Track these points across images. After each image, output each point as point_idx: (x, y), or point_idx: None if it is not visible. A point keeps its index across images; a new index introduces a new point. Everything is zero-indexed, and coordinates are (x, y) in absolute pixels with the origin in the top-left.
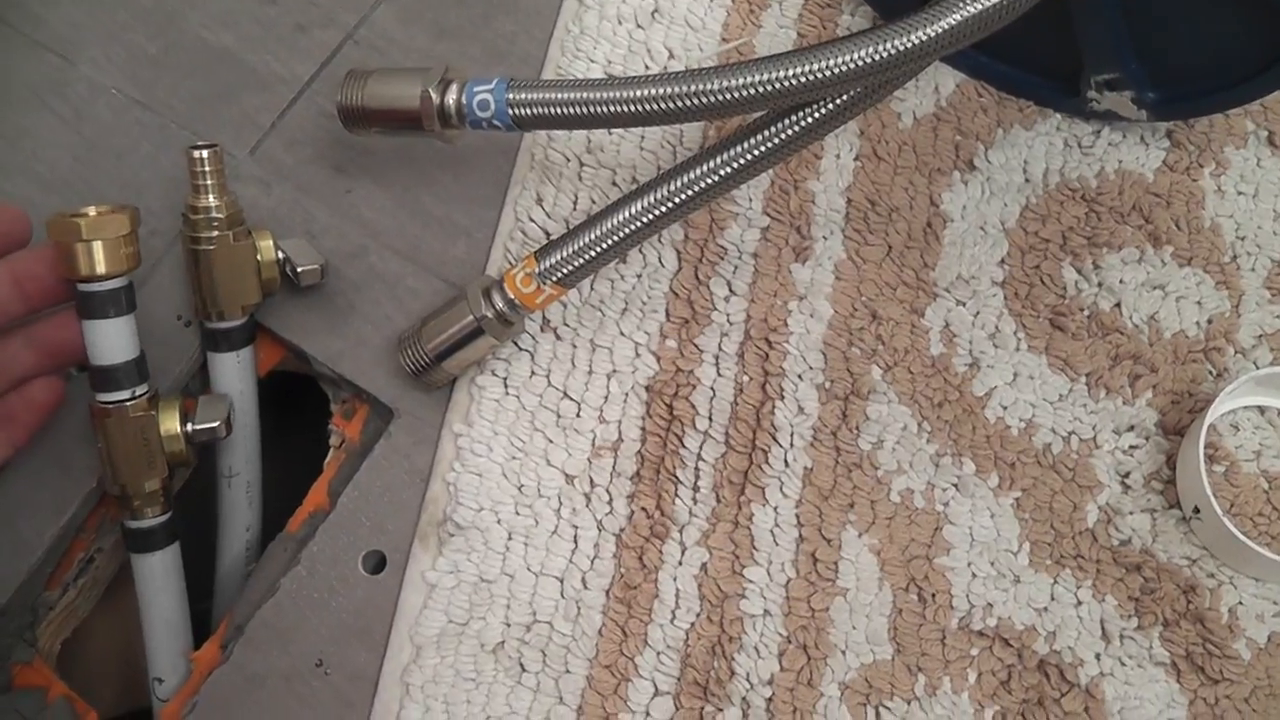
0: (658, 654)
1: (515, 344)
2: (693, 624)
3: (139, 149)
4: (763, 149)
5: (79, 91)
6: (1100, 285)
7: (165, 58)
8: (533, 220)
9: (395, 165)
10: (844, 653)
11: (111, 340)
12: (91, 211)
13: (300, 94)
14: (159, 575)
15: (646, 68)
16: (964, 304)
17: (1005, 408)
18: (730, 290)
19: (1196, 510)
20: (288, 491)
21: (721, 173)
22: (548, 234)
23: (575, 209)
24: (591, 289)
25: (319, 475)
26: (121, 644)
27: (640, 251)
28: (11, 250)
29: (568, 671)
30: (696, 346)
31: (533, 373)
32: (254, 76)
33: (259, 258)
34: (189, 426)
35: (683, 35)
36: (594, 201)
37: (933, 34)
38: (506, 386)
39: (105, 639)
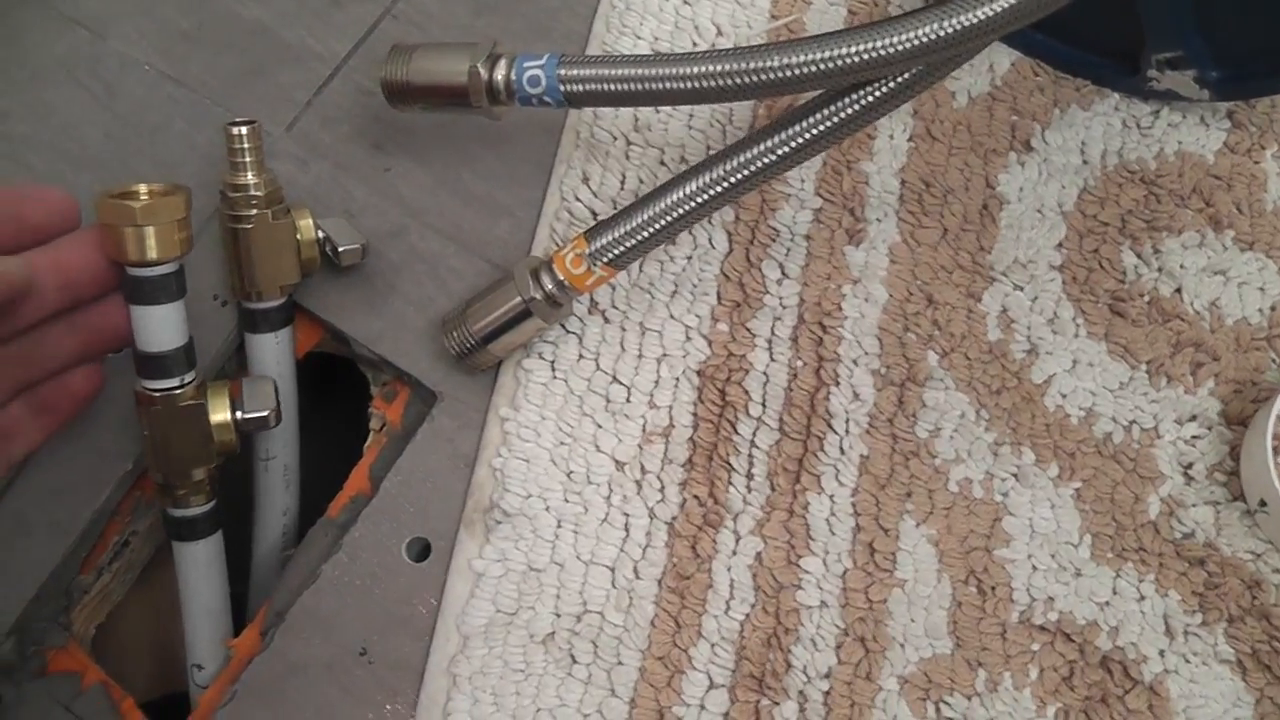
0: (712, 646)
1: (562, 326)
2: (748, 615)
3: (172, 125)
4: (820, 129)
5: (110, 67)
6: (1160, 270)
7: (198, 33)
8: (579, 200)
9: (435, 143)
10: (903, 646)
11: (161, 327)
12: (143, 192)
13: (337, 70)
14: (201, 564)
15: (694, 44)
16: (1021, 288)
17: (1064, 395)
18: (783, 273)
19: (1262, 503)
20: (322, 474)
21: (778, 153)
22: (594, 214)
23: (623, 188)
24: (640, 271)
25: (354, 458)
26: (154, 628)
27: (690, 233)
28: (57, 235)
29: (620, 663)
30: (749, 330)
31: (581, 356)
32: (289, 52)
33: (298, 237)
34: (239, 415)
35: (731, 11)
36: (642, 181)
37: (998, 10)
38: (554, 370)
39: (138, 623)
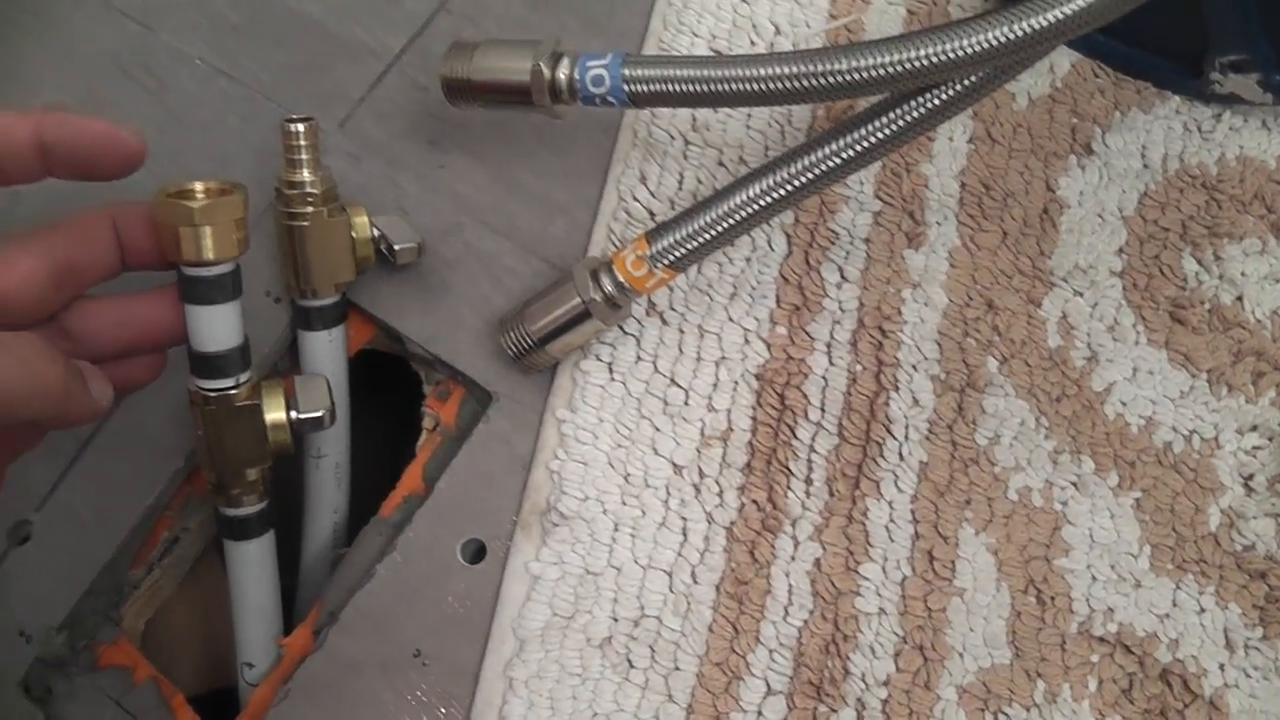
0: (770, 652)
1: (620, 328)
2: (806, 621)
3: (224, 121)
4: (885, 133)
5: (161, 61)
6: (1221, 277)
7: (250, 27)
8: (636, 199)
9: (490, 140)
10: (961, 655)
11: (217, 327)
12: (199, 191)
13: (391, 66)
14: (254, 563)
15: (752, 43)
16: (1082, 294)
17: (1125, 404)
18: (842, 276)
19: None
20: (368, 472)
21: (843, 157)
22: (652, 214)
23: (680, 188)
24: (699, 273)
25: (400, 456)
26: (201, 623)
27: (749, 235)
28: (120, 174)
29: (677, 668)
30: (808, 334)
31: (639, 358)
32: (342, 47)
33: (353, 234)
34: (293, 415)
35: (789, 10)
36: (700, 181)
37: (1070, 12)
38: (612, 372)
39: (184, 618)
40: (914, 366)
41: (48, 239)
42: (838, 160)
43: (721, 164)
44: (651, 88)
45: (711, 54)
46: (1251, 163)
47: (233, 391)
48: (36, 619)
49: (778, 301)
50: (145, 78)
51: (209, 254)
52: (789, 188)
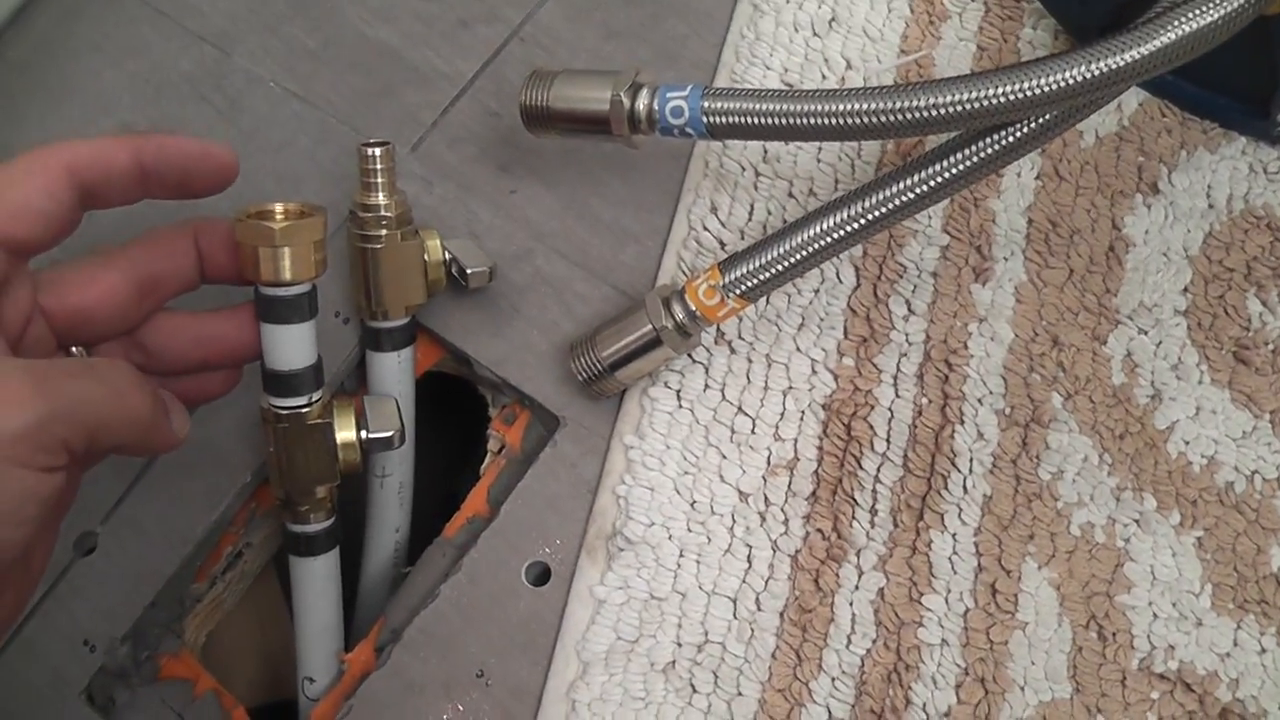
0: (833, 680)
1: (689, 356)
2: (869, 650)
3: (297, 142)
4: (957, 170)
5: (235, 84)
6: None
7: (324, 52)
8: (706, 229)
9: (561, 167)
10: (1022, 689)
11: (292, 346)
12: (279, 212)
13: (464, 91)
14: (319, 579)
15: (823, 77)
16: (1146, 333)
17: (1188, 443)
18: (909, 309)
19: None
20: (428, 492)
21: (915, 192)
22: (722, 243)
23: (750, 219)
24: (768, 303)
25: (460, 477)
26: (258, 637)
27: (818, 267)
28: (215, 190)
29: (740, 694)
30: (875, 366)
31: (707, 386)
32: (415, 72)
33: (426, 258)
34: (363, 434)
35: (860, 45)
36: (769, 213)
37: (1145, 53)
38: (680, 399)
39: (243, 631)
40: (979, 400)
41: (131, 254)
42: (910, 196)
43: (791, 195)
44: (730, 120)
45: (784, 87)
46: None
47: (305, 410)
48: (101, 629)
49: (845, 333)
50: (219, 100)
51: (286, 275)
52: (861, 222)
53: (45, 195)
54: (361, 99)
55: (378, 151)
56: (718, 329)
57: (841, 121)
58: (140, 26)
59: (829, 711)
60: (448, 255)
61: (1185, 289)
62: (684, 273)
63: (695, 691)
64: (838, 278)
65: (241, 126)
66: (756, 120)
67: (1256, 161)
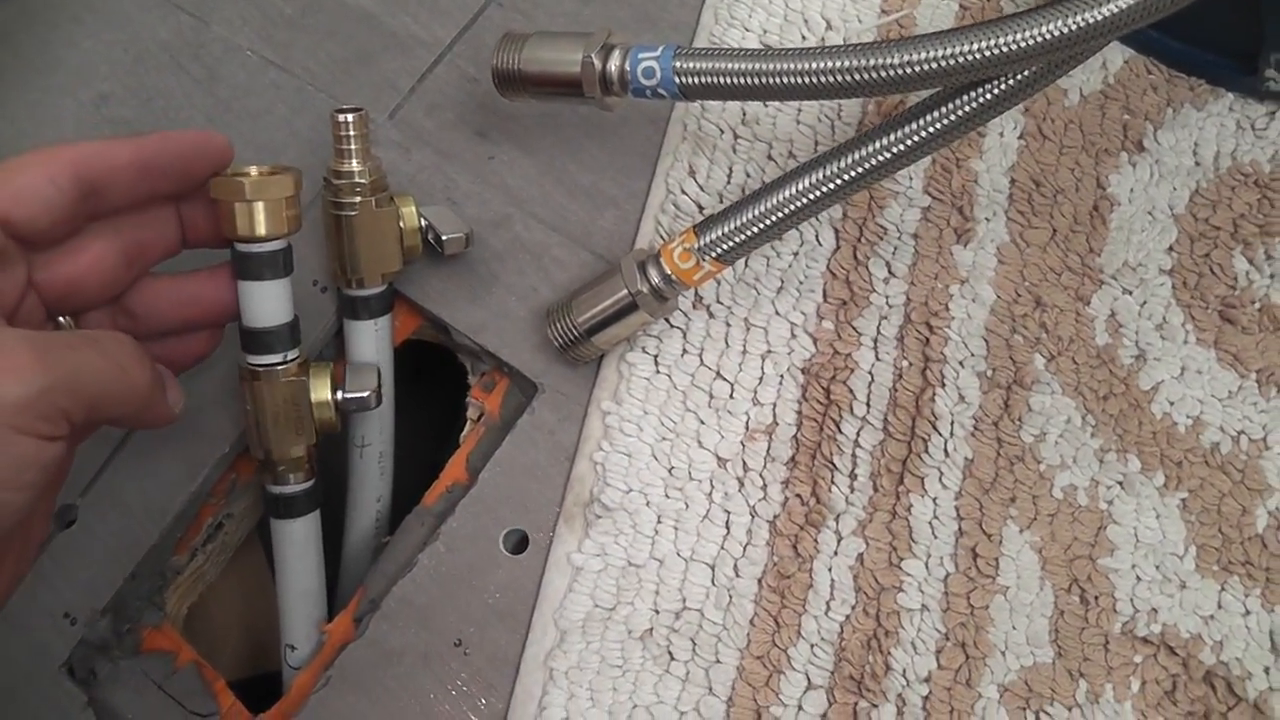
0: (811, 646)
1: (667, 321)
2: (848, 616)
3: (274, 111)
4: (935, 128)
5: (213, 52)
6: (1273, 277)
7: (302, 19)
8: (685, 193)
9: (539, 132)
10: (1004, 653)
11: (267, 303)
12: (254, 171)
13: (441, 57)
14: (299, 542)
15: (803, 38)
16: (1130, 292)
17: (1172, 403)
18: (890, 272)
19: None
20: (410, 461)
21: (893, 151)
22: (700, 207)
23: (729, 182)
24: (746, 266)
25: (442, 446)
26: (241, 609)
27: (797, 229)
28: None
29: (718, 661)
30: (854, 329)
31: (685, 351)
32: (393, 39)
33: (401, 225)
34: (339, 394)
35: (841, 5)
36: (749, 175)
37: (1122, 7)
38: (657, 364)
39: (225, 604)
40: (960, 363)
41: (114, 222)
42: (887, 155)
43: (771, 158)
44: (703, 80)
45: (762, 48)
46: None
47: (280, 367)
48: (81, 602)
49: (825, 296)
50: (197, 69)
51: (261, 229)
52: (838, 182)
53: (48, 182)
54: (339, 66)
55: (351, 118)
56: (696, 293)
57: (815, 80)
58: None
59: (808, 678)
60: (424, 222)
61: (1170, 248)
62: (661, 237)
63: (673, 659)
64: (817, 240)
65: (219, 95)
66: (729, 80)
67: (1244, 118)
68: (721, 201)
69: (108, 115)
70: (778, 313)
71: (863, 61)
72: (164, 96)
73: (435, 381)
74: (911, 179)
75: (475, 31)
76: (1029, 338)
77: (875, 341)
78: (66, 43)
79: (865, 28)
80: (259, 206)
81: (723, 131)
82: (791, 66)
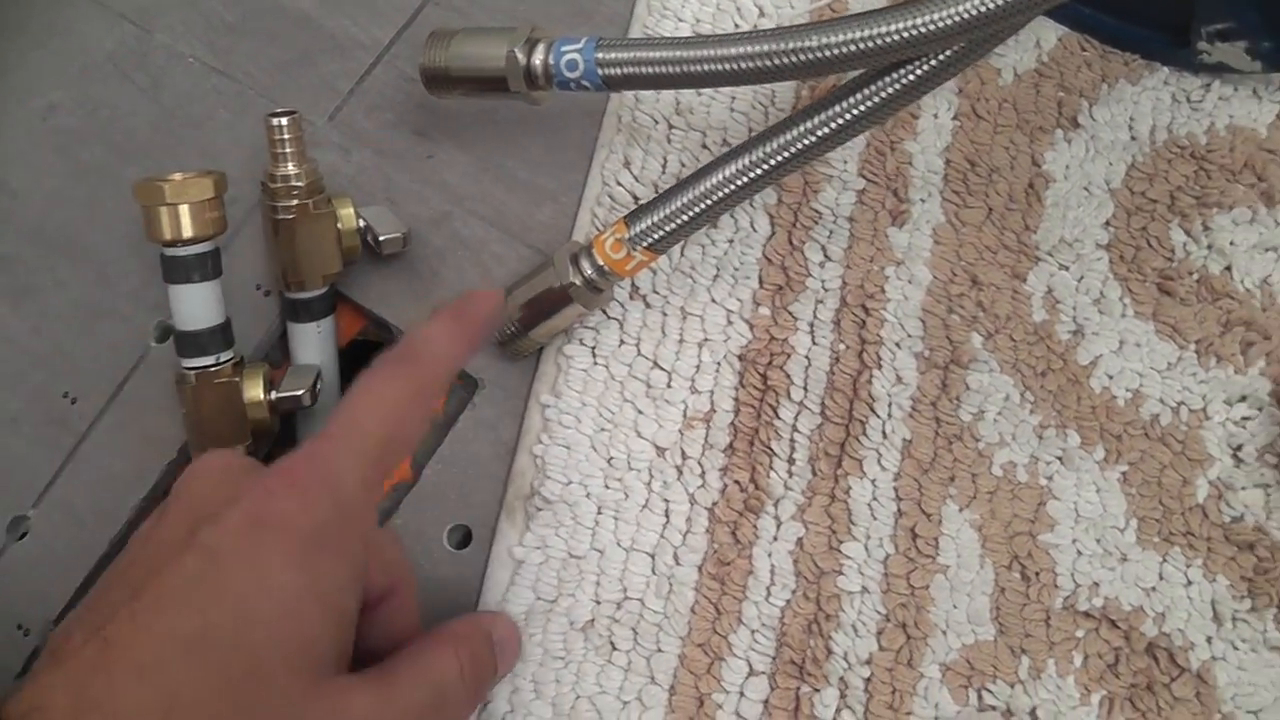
0: (752, 632)
1: (604, 312)
2: (788, 601)
3: (217, 117)
4: (860, 109)
5: (157, 61)
6: (1210, 247)
7: (243, 24)
8: (620, 184)
9: (478, 129)
10: (945, 633)
11: (198, 306)
12: (177, 176)
13: (380, 58)
14: None
15: (736, 26)
16: (1067, 268)
17: (1111, 377)
18: (825, 256)
19: None
20: None
21: (818, 134)
22: (636, 198)
23: (664, 172)
24: (682, 255)
25: None
26: None
27: (732, 216)
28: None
29: (660, 650)
30: (791, 314)
31: (622, 341)
32: (332, 41)
33: (339, 226)
34: (273, 394)
35: None
36: (684, 165)
37: None
38: (595, 356)
39: None
40: (897, 344)
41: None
42: (812, 138)
43: (705, 147)
44: (625, 70)
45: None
46: (1241, 131)
47: (213, 369)
48: (34, 613)
49: (761, 282)
50: (142, 78)
51: (186, 231)
52: (764, 167)
53: None
54: (280, 70)
55: (284, 121)
56: (632, 283)
57: (736, 66)
58: (63, 8)
59: (749, 664)
60: (362, 223)
61: (1107, 223)
62: (598, 229)
63: (615, 649)
64: (752, 227)
65: (164, 104)
66: (651, 69)
67: (1180, 91)
68: (657, 192)
69: (55, 126)
70: (714, 300)
71: (782, 45)
72: (110, 106)
73: None
74: (846, 162)
75: (413, 31)
76: (966, 317)
77: (811, 326)
78: (13, 54)
79: (797, 13)
80: (183, 209)
81: (657, 122)
82: (711, 53)
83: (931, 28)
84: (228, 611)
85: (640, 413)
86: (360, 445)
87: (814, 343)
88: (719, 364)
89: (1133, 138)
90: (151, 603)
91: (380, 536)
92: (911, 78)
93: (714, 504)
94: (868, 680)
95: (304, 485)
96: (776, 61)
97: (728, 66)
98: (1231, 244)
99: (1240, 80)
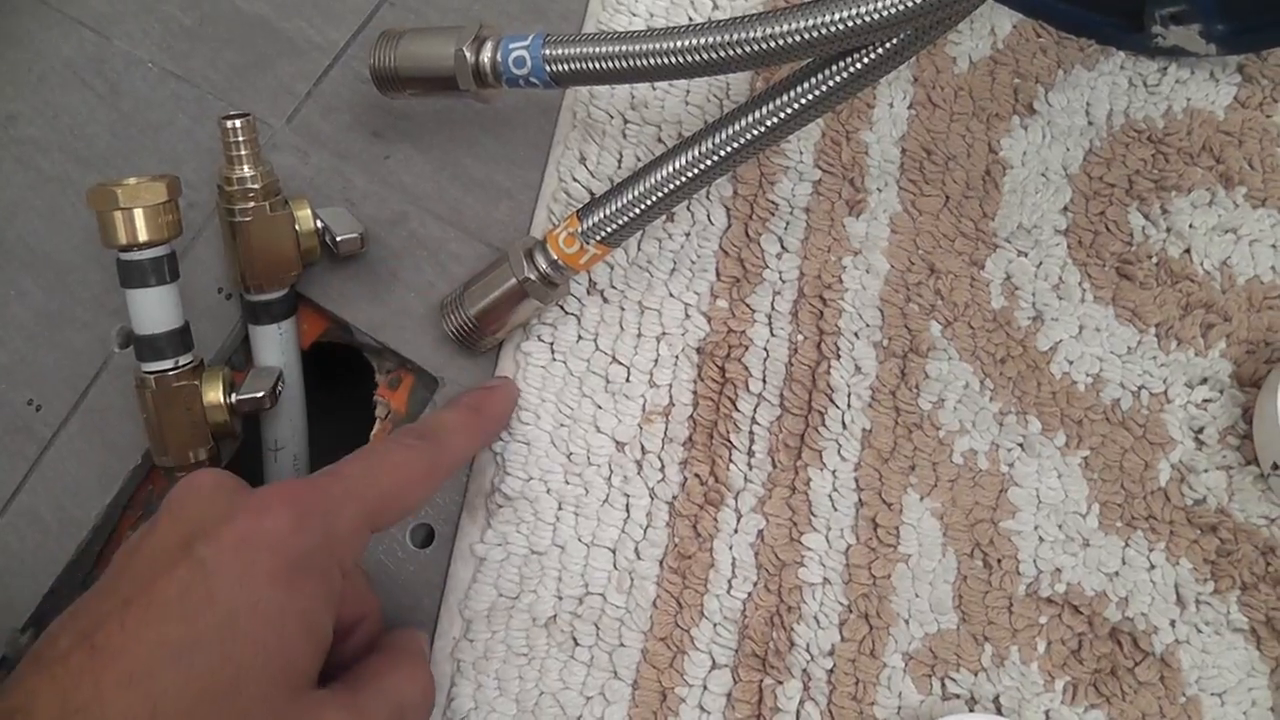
0: (714, 625)
1: (561, 307)
2: (750, 594)
3: (175, 121)
4: (810, 98)
5: (115, 67)
6: (1169, 230)
7: (200, 29)
8: (576, 180)
9: (434, 128)
10: (907, 622)
11: (155, 309)
12: (130, 181)
13: (336, 60)
14: None
15: (690, 19)
16: (1026, 254)
17: (1071, 362)
18: (782, 247)
19: (1276, 467)
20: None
21: (768, 124)
22: (592, 193)
23: (620, 167)
24: (639, 249)
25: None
26: None
27: (688, 209)
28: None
29: (622, 645)
30: (748, 306)
31: (580, 337)
32: (289, 44)
33: (297, 228)
34: (233, 396)
35: None
36: (639, 159)
37: None
38: (553, 352)
39: None
40: (855, 334)
41: None
42: (762, 128)
43: (660, 141)
44: (572, 66)
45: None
46: (1199, 114)
47: (171, 372)
48: (1, 621)
49: (718, 275)
50: (100, 85)
51: (141, 235)
52: (715, 158)
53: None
54: (237, 74)
55: (238, 123)
56: (590, 279)
57: (681, 59)
58: (20, 15)
59: (712, 658)
60: (319, 224)
61: (1065, 208)
62: (553, 224)
63: (577, 644)
64: (709, 219)
65: (122, 109)
66: (597, 64)
67: (1136, 75)
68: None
69: (15, 136)
70: (671, 294)
71: (727, 37)
72: (69, 113)
73: (351, 383)
74: (802, 153)
75: (369, 32)
76: (924, 305)
77: (769, 317)
78: None
79: (750, 5)
80: (137, 213)
81: (612, 117)
82: (657, 46)
83: (876, 16)
84: (216, 623)
85: (599, 408)
86: (363, 491)
87: (772, 334)
88: (677, 357)
89: (1090, 123)
90: (142, 612)
91: (354, 571)
92: (860, 65)
93: (674, 498)
94: (831, 671)
95: (301, 510)
96: (723, 53)
97: (674, 60)
98: (1190, 227)
99: (1196, 63)
